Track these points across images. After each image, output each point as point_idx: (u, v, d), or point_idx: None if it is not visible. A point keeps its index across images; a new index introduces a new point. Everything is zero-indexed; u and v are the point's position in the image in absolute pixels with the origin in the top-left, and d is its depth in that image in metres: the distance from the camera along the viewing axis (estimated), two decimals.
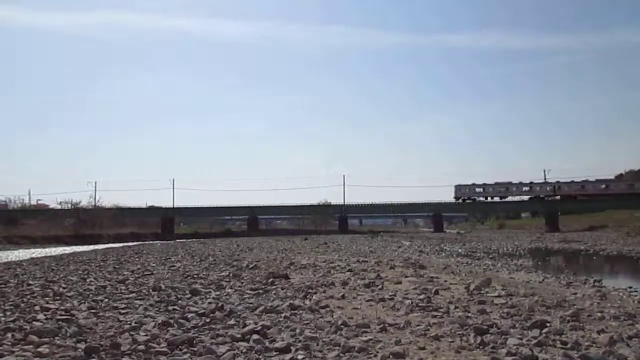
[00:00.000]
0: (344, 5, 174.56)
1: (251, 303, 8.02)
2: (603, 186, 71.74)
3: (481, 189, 74.31)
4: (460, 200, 75.34)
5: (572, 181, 73.07)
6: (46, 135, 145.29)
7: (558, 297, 8.71)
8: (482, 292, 9.23)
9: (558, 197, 73.26)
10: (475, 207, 80.00)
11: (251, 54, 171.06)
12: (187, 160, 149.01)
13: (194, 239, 53.93)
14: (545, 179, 75.22)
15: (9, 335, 5.56)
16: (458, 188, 74.50)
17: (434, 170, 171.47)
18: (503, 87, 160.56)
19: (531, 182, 73.79)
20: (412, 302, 7.91)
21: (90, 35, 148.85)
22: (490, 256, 23.53)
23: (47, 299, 8.64)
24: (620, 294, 10.02)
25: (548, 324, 6.23)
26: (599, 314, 7.13)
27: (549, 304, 7.89)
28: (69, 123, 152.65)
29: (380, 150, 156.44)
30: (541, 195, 73.47)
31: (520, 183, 73.69)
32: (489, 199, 75.03)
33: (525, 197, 74.95)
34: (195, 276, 12.51)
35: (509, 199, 75.34)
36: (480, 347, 5.24)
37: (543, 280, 12.74)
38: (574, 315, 6.81)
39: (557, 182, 73.63)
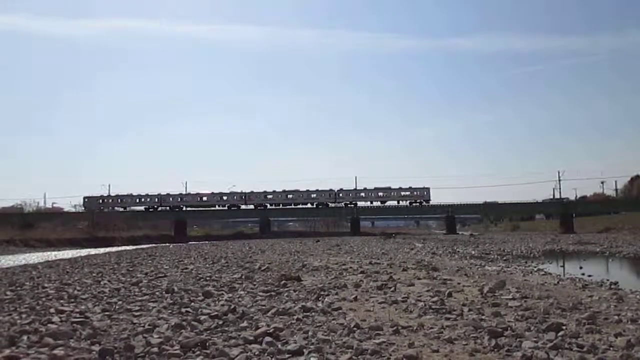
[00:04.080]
0: (353, 10, 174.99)
1: (263, 305, 8.03)
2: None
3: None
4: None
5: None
6: (60, 138, 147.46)
7: (574, 300, 8.59)
8: (496, 294, 9.13)
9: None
10: (490, 209, 79.71)
11: (263, 58, 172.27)
12: (199, 163, 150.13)
13: (207, 241, 54.24)
14: (559, 179, 74.92)
15: (25, 337, 5.61)
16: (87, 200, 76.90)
17: (441, 173, 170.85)
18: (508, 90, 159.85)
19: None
20: (425, 305, 7.86)
21: (100, 40, 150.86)
22: (504, 258, 23.28)
23: (62, 301, 8.74)
24: (638, 296, 9.81)
25: (564, 327, 6.14)
26: (616, 317, 7.02)
27: (565, 306, 7.79)
28: (82, 127, 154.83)
29: (390, 152, 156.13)
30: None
31: (139, 195, 76.70)
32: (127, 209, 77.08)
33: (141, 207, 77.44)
34: (207, 278, 12.56)
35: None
36: (495, 350, 5.19)
37: (558, 282, 12.56)
38: (590, 318, 6.70)
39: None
